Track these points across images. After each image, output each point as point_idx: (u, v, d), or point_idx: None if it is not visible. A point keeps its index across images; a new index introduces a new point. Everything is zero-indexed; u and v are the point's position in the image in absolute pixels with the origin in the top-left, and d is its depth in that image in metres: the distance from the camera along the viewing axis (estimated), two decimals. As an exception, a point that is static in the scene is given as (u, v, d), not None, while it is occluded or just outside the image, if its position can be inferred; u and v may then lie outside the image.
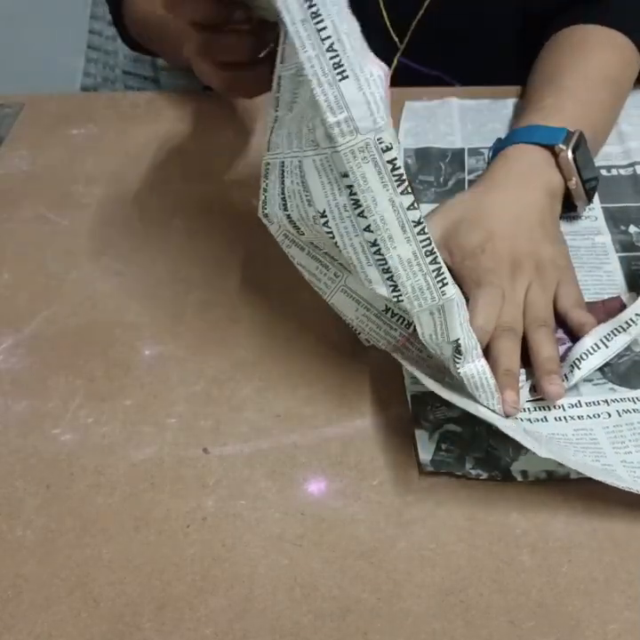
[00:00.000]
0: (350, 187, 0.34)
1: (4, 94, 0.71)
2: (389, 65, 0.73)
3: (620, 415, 0.42)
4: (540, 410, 0.43)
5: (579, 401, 0.43)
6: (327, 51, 0.32)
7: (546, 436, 0.41)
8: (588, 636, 0.34)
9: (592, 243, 0.54)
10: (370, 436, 0.42)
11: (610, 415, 0.42)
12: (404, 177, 0.34)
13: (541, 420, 0.43)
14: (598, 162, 0.58)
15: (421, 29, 0.71)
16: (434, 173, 0.61)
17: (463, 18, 0.71)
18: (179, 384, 0.46)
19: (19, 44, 1.46)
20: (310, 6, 0.31)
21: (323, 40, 0.32)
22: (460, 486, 0.40)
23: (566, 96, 0.58)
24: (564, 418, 0.43)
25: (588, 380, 0.45)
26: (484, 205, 0.51)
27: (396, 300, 0.36)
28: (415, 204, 0.34)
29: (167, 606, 0.36)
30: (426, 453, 0.41)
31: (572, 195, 0.54)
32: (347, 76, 0.32)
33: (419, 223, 0.35)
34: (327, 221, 0.36)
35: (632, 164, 0.60)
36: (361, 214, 0.34)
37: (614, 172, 0.60)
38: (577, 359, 0.44)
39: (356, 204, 0.34)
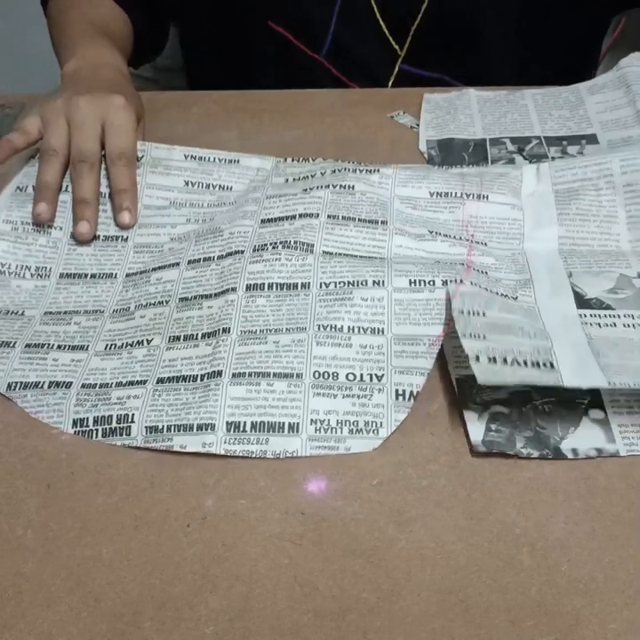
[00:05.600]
0: None
1: (3, 94, 0.72)
2: (391, 72, 0.74)
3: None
4: (609, 317, 0.47)
5: None
6: None
7: (612, 340, 0.45)
8: (587, 635, 0.34)
9: None
10: (370, 435, 0.42)
11: None
12: None
13: (610, 325, 0.46)
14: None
15: (420, 34, 0.71)
16: (458, 163, 0.62)
17: (461, 19, 0.71)
18: (179, 384, 0.46)
19: (19, 44, 1.46)
20: None
21: None
22: (459, 486, 0.40)
23: None
24: (633, 325, 0.46)
25: None
26: None
27: None
28: None
29: (167, 605, 0.36)
30: (476, 434, 0.41)
31: None
32: None
33: None
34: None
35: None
36: None
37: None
38: None
39: None
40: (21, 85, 0.79)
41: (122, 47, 0.69)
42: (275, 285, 0.49)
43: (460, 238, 0.53)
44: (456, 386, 0.44)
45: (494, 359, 0.42)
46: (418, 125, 0.66)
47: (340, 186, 0.55)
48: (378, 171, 0.57)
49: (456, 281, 0.48)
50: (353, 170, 0.57)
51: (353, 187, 0.55)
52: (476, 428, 0.42)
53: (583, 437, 0.41)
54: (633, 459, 0.40)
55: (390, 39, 0.71)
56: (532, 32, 0.73)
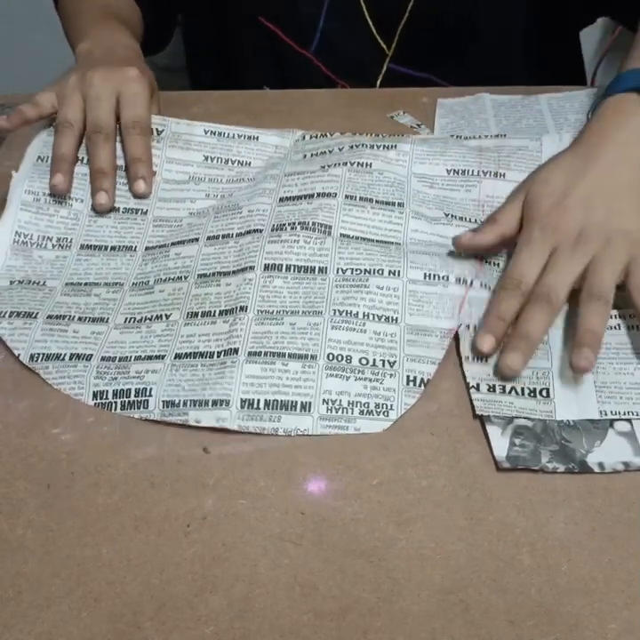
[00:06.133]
0: None
1: (4, 94, 0.71)
2: (379, 71, 0.74)
3: None
4: (615, 317, 0.46)
5: None
6: None
7: (614, 347, 0.45)
8: (587, 635, 0.34)
9: None
10: (370, 435, 0.42)
11: None
12: None
13: (615, 327, 0.46)
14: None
15: (407, 33, 0.71)
16: None
17: (447, 20, 0.70)
18: (179, 384, 0.46)
19: (19, 44, 1.46)
20: None
21: None
22: (459, 486, 0.40)
23: None
24: (637, 327, 0.46)
25: None
26: (578, 168, 0.49)
27: None
28: None
29: (167, 605, 0.36)
30: (500, 450, 0.41)
31: None
32: None
33: None
34: None
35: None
36: None
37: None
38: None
39: None
40: (21, 85, 0.79)
41: (133, 32, 0.69)
42: (293, 267, 0.49)
43: (476, 221, 0.53)
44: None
45: (494, 387, 0.43)
46: (418, 125, 0.66)
47: (358, 163, 0.55)
48: (395, 146, 0.57)
49: (466, 283, 0.48)
50: (370, 145, 0.57)
51: (370, 165, 0.55)
52: (500, 443, 0.41)
53: (609, 451, 0.40)
54: (633, 459, 0.40)
55: (377, 38, 0.71)
56: (518, 33, 0.73)
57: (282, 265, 0.49)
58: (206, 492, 0.40)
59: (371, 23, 0.71)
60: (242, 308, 0.47)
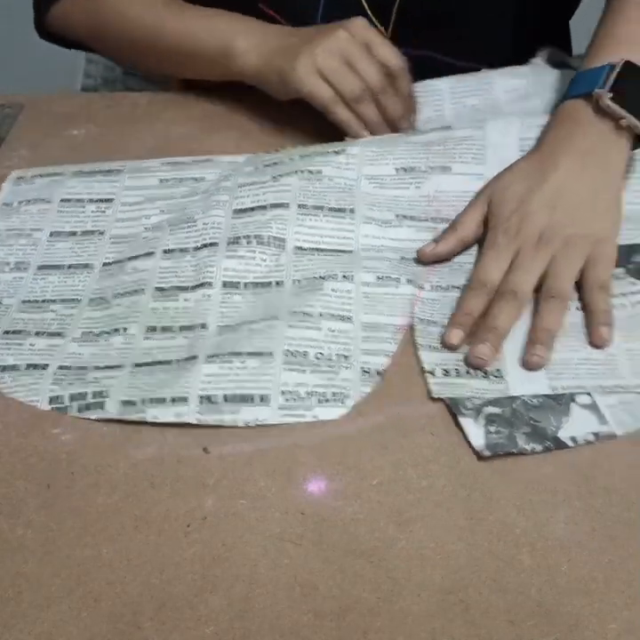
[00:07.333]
0: None
1: (3, 94, 0.72)
2: None
3: (633, 306, 0.47)
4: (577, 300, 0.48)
5: None
6: None
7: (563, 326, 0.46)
8: (587, 635, 0.34)
9: None
10: (370, 435, 0.42)
11: (624, 306, 0.47)
12: None
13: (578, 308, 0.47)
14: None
15: (402, 12, 0.71)
16: None
17: None
18: (179, 384, 0.46)
19: (19, 44, 1.45)
20: None
21: None
22: (459, 486, 0.40)
23: (617, 23, 0.56)
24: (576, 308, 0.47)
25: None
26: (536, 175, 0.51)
27: None
28: None
29: (167, 605, 0.36)
30: (478, 439, 0.41)
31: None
32: None
33: None
34: None
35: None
36: None
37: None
38: None
39: None
40: (21, 85, 0.79)
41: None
42: (250, 285, 0.50)
43: (427, 219, 0.54)
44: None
45: (448, 372, 0.44)
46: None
47: (308, 171, 0.56)
48: (344, 150, 0.58)
49: (418, 285, 0.50)
50: (321, 153, 0.58)
51: (320, 171, 0.56)
52: (476, 432, 0.42)
53: (577, 424, 0.42)
54: (633, 458, 0.40)
55: (373, 19, 0.71)
56: (511, 6, 0.73)
57: (239, 282, 0.50)
58: (206, 492, 0.40)
59: (365, 5, 0.71)
60: (202, 326, 0.48)
